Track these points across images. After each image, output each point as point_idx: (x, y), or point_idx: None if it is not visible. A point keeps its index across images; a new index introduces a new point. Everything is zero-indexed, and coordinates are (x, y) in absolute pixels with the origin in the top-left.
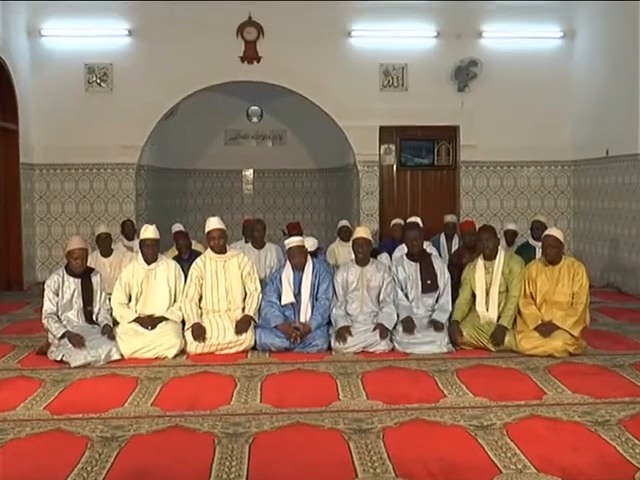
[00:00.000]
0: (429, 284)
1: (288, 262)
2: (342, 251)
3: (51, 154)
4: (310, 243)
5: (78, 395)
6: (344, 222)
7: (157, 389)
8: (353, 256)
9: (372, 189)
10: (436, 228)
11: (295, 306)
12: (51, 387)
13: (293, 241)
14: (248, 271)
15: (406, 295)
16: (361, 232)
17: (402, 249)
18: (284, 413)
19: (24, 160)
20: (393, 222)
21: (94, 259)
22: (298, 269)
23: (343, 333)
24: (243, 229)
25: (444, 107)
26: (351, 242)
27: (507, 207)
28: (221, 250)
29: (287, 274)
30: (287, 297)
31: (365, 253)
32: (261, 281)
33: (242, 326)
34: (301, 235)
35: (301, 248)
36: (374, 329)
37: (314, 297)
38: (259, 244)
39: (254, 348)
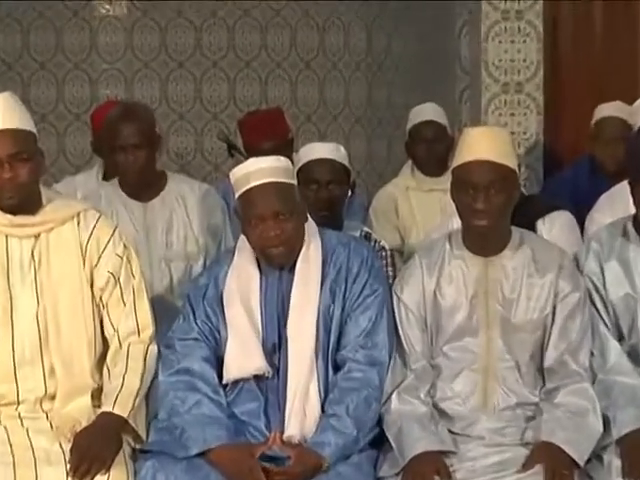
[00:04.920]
0: None
1: (244, 240)
2: (420, 203)
3: None
4: (322, 153)
5: None
6: (427, 112)
7: None
8: (456, 222)
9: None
10: None
11: (269, 386)
12: None
13: (255, 167)
14: (113, 270)
15: (632, 354)
16: (481, 145)
17: (617, 199)
18: None
19: None
20: (595, 117)
21: None
22: (276, 264)
23: (427, 474)
24: (95, 139)
25: None
26: (451, 176)
27: None
28: (22, 202)
29: (242, 280)
30: (243, 358)
31: (496, 211)
32: (154, 303)
33: (84, 450)
34: (285, 152)
35: (288, 192)
36: (527, 464)
37: (329, 355)
38: (148, 185)
39: None
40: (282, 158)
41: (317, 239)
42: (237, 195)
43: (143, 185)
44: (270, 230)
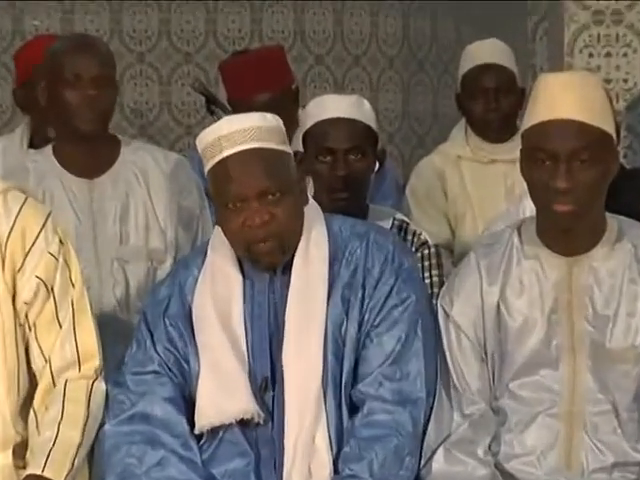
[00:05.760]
0: None
1: (220, 233)
2: (478, 180)
3: None
4: (339, 110)
5: None
6: (487, 51)
7: None
8: (528, 207)
9: None
10: None
11: (260, 435)
12: None
13: (230, 129)
14: (45, 276)
15: None
16: (563, 99)
17: None
18: None
19: None
20: None
21: None
22: (265, 264)
23: None
24: (19, 88)
25: None
26: (520, 143)
27: None
28: None
29: (218, 288)
30: (222, 397)
31: (585, 192)
32: (102, 322)
33: None
34: (286, 108)
35: (279, 162)
36: None
37: (342, 391)
38: (95, 153)
39: None
40: (269, 115)
41: (322, 228)
42: (207, 169)
43: (93, 150)
44: (254, 216)
